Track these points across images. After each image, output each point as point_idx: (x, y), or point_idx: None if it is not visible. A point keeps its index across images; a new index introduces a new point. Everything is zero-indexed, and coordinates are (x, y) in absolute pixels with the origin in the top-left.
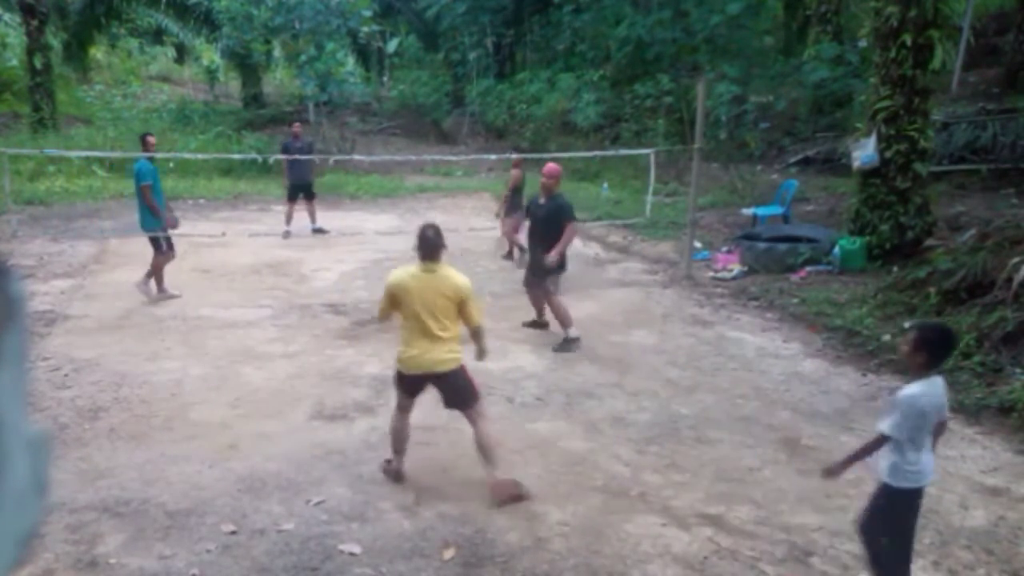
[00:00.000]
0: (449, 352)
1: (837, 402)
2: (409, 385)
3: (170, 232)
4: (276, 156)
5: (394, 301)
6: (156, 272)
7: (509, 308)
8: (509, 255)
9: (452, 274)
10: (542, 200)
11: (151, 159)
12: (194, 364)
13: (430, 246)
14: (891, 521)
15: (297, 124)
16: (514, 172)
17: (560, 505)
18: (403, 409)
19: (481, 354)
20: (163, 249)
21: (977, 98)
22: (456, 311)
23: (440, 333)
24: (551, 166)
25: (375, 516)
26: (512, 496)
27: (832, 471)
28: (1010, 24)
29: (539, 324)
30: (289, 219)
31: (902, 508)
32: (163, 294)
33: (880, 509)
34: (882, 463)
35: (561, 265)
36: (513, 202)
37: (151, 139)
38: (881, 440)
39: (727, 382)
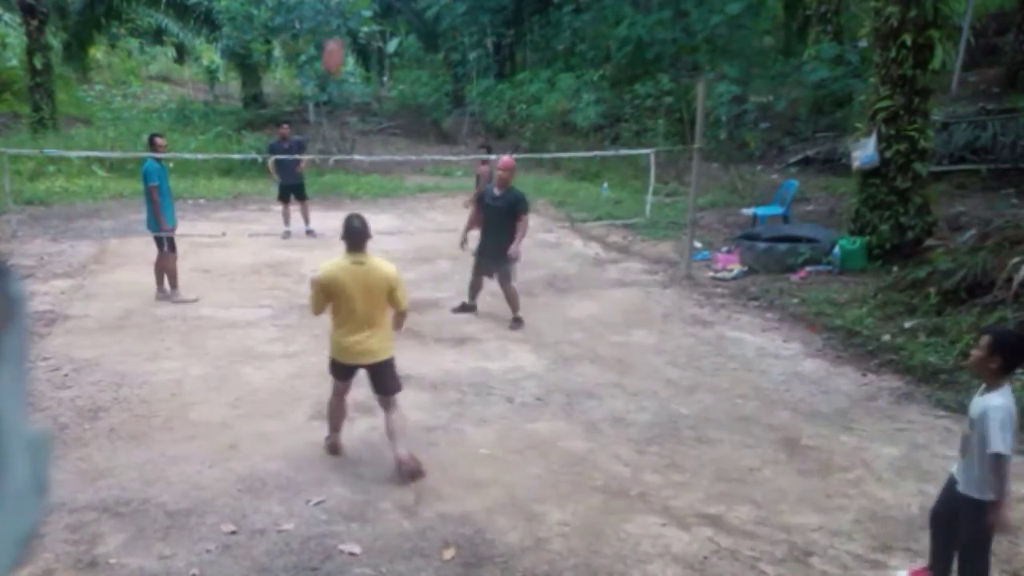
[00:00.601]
0: (382, 342)
1: (837, 402)
2: (343, 372)
3: (173, 233)
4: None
5: (327, 294)
6: (171, 275)
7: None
8: None
9: (381, 264)
10: (497, 192)
11: (158, 159)
12: (194, 364)
13: (357, 236)
14: (979, 534)
15: (285, 125)
16: (482, 169)
17: (560, 505)
18: (339, 393)
19: (398, 327)
20: (164, 250)
21: (977, 98)
22: (386, 299)
23: (372, 324)
24: (506, 159)
25: (375, 516)
26: (415, 472)
27: (1003, 523)
28: (1010, 24)
29: (468, 308)
30: (287, 219)
31: (986, 522)
32: (174, 293)
33: (981, 528)
34: (975, 480)
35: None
36: None
37: (159, 140)
38: (1003, 461)
39: (727, 382)
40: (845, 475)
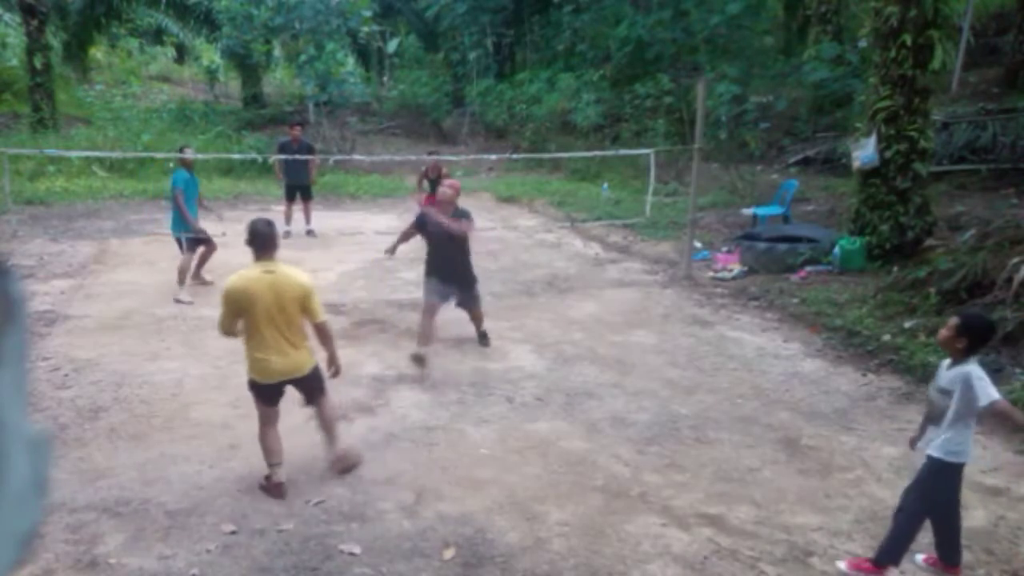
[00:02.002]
0: (304, 354)
1: (837, 402)
2: (268, 394)
3: (188, 235)
4: (275, 157)
5: (238, 309)
6: (181, 272)
7: (510, 308)
8: None
9: (293, 272)
10: (441, 216)
11: (187, 169)
12: (194, 364)
13: (265, 240)
14: (935, 494)
15: (297, 127)
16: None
17: (560, 505)
18: (269, 420)
19: (332, 365)
20: (183, 249)
21: (977, 98)
22: (301, 310)
23: (292, 337)
24: (453, 182)
25: (375, 516)
26: (351, 465)
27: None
28: (1010, 24)
29: (421, 360)
30: (288, 219)
31: (957, 483)
32: (178, 289)
33: (925, 483)
34: (936, 439)
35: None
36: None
37: (186, 153)
38: (1000, 405)
39: (727, 382)
40: (845, 475)
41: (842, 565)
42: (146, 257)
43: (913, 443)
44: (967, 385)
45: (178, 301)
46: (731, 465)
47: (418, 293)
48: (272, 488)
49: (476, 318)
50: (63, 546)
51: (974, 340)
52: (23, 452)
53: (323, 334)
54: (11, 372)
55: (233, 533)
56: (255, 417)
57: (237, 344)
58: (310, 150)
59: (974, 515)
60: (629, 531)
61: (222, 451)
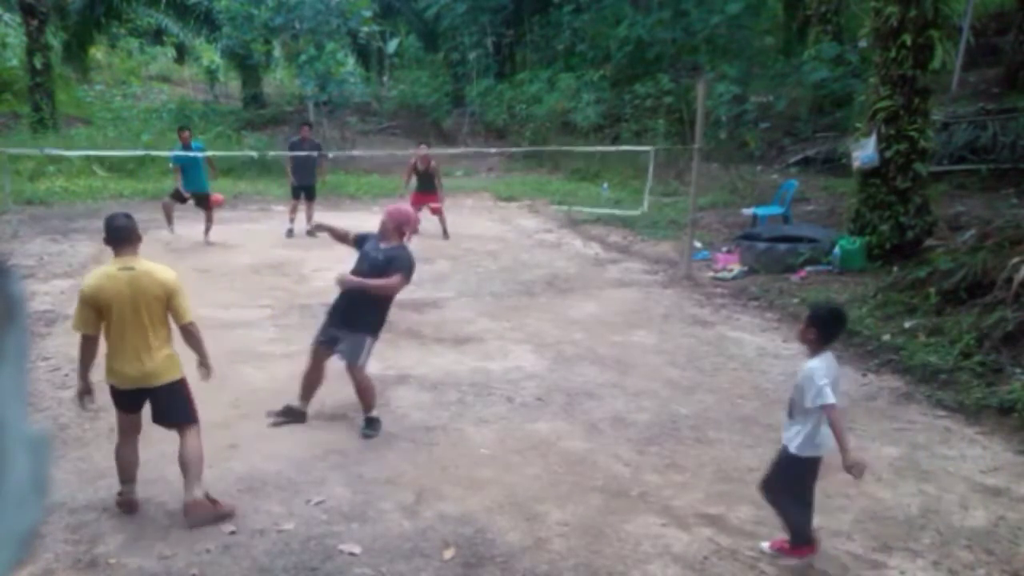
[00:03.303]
0: (164, 361)
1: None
2: (127, 401)
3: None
4: (284, 153)
5: (95, 308)
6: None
7: (510, 308)
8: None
9: (156, 269)
10: (383, 244)
11: (186, 149)
12: (193, 364)
13: (121, 235)
14: (795, 485)
15: (306, 126)
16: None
17: (560, 505)
18: (126, 432)
19: (203, 367)
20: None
21: (977, 98)
22: (164, 311)
23: (152, 340)
24: (404, 208)
25: (375, 516)
26: (203, 521)
27: (858, 465)
28: (1010, 24)
29: (297, 414)
30: (292, 218)
31: (807, 474)
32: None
33: (784, 475)
34: (789, 434)
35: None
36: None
37: (182, 133)
38: (835, 410)
39: (727, 382)
40: (845, 475)
41: (765, 545)
42: (146, 257)
43: None
44: (808, 381)
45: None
46: (731, 465)
47: (419, 293)
48: (124, 504)
49: (361, 390)
50: (63, 546)
51: (824, 331)
52: (23, 452)
53: (190, 337)
54: (11, 372)
55: (233, 533)
56: (255, 417)
57: (238, 344)
58: (319, 150)
59: (974, 515)
60: (629, 531)
61: (222, 451)
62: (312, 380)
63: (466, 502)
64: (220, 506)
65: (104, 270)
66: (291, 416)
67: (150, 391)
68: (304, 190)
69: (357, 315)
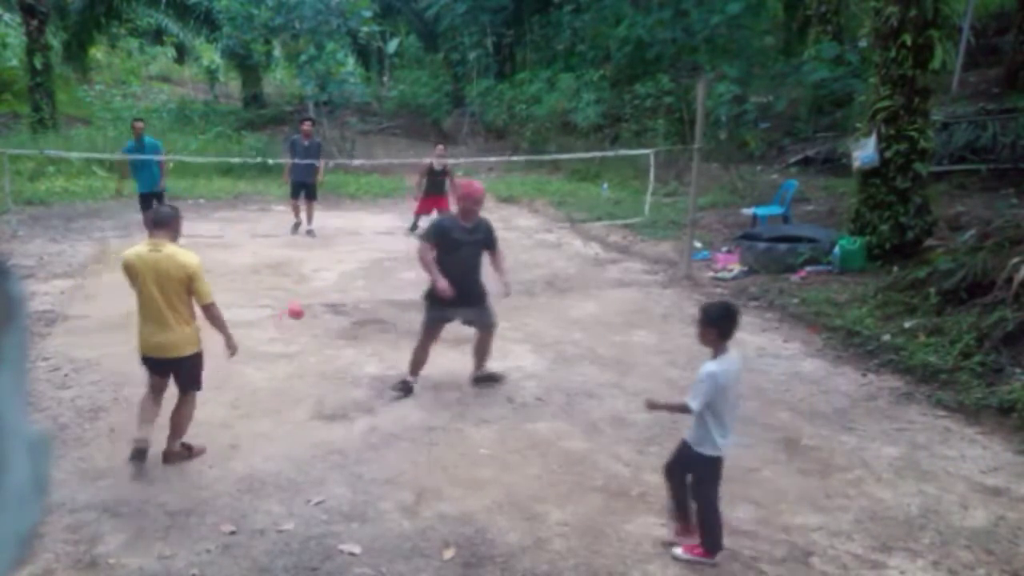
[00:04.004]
0: (182, 337)
1: (837, 402)
2: (151, 366)
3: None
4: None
5: (129, 280)
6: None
7: (512, 308)
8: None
9: (179, 253)
10: (466, 223)
11: (138, 143)
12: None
13: (160, 218)
14: (694, 479)
15: (307, 122)
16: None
17: (560, 505)
18: (152, 388)
19: (228, 346)
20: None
21: (977, 98)
22: (185, 291)
23: (170, 316)
24: (477, 185)
25: (375, 516)
26: (186, 457)
27: (652, 405)
28: (1010, 24)
29: (408, 388)
30: (297, 212)
31: (706, 473)
32: None
33: (682, 463)
34: (690, 429)
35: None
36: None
37: (136, 124)
38: (686, 409)
39: None
40: (845, 475)
41: (679, 551)
42: None
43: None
44: (696, 382)
45: None
46: (731, 465)
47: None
48: (135, 453)
49: (487, 349)
50: (63, 546)
51: (720, 327)
52: (23, 452)
53: (211, 316)
54: (11, 372)
55: (233, 533)
56: (255, 416)
57: (238, 344)
58: (320, 148)
59: (974, 515)
60: (629, 531)
61: (222, 451)
62: (424, 357)
63: (466, 502)
64: (195, 450)
65: (135, 248)
66: (406, 390)
67: (169, 361)
68: (304, 188)
69: (475, 289)
